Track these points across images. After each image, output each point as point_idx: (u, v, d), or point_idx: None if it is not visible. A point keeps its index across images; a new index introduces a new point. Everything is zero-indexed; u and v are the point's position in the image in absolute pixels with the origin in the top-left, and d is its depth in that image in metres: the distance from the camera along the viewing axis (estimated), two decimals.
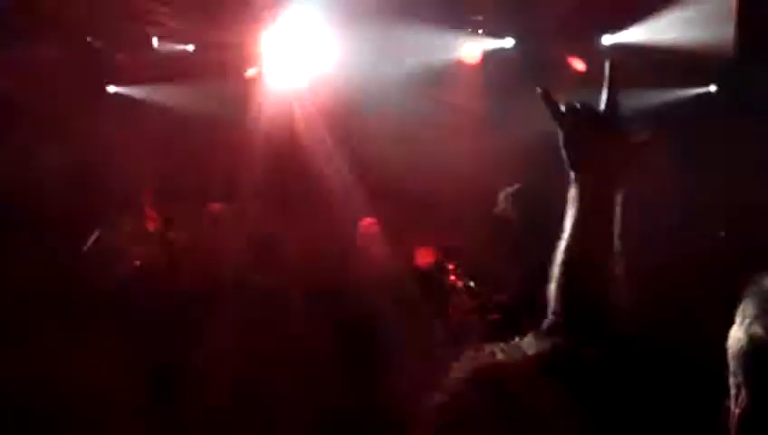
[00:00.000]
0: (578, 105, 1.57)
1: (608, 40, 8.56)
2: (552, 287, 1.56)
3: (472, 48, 8.49)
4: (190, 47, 8.47)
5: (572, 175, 1.57)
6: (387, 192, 8.10)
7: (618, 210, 1.53)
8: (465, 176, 8.04)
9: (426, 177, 8.14)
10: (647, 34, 8.31)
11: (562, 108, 1.59)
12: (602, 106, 1.57)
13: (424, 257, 7.06)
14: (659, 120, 7.70)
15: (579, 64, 8.40)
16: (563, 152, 1.58)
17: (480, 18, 8.25)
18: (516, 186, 5.70)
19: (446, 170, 8.15)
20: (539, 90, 1.59)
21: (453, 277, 6.43)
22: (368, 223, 7.32)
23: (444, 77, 8.69)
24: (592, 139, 1.55)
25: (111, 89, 8.79)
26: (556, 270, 1.56)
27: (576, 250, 1.53)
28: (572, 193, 1.56)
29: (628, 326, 1.53)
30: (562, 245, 1.56)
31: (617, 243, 1.53)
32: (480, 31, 8.31)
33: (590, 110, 1.57)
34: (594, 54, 8.32)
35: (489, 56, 8.57)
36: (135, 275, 6.51)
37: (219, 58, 8.37)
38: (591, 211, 1.53)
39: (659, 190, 7.34)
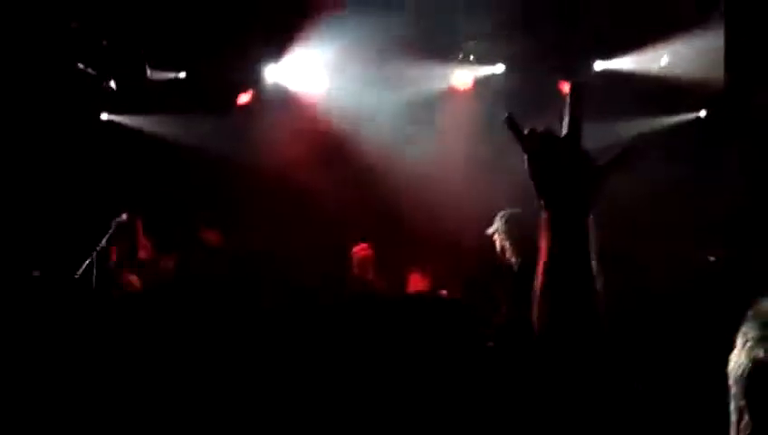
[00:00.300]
0: (539, 129, 1.54)
1: (600, 66, 8.61)
2: (534, 313, 1.55)
3: (463, 75, 8.52)
4: (182, 74, 8.46)
5: (541, 200, 1.55)
6: (383, 218, 8.15)
7: (591, 232, 1.51)
8: (461, 202, 7.94)
9: (422, 203, 8.14)
10: (639, 63, 8.38)
11: (525, 132, 1.56)
12: (564, 129, 1.52)
13: (417, 284, 7.09)
14: (649, 145, 7.78)
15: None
16: (529, 176, 1.55)
17: (472, 44, 8.27)
18: (512, 210, 5.58)
19: (442, 197, 8.12)
20: (504, 116, 1.56)
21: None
22: (362, 247, 7.28)
23: (437, 104, 8.71)
24: (554, 162, 1.52)
25: (104, 116, 8.79)
26: (534, 296, 1.55)
27: (551, 275, 1.52)
28: (543, 217, 1.54)
29: (612, 352, 1.51)
30: (538, 270, 1.54)
31: (594, 266, 1.51)
32: (471, 57, 8.33)
33: (550, 133, 1.53)
34: (587, 80, 8.37)
35: (481, 83, 8.60)
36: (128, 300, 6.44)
37: (212, 85, 8.36)
38: (562, 235, 1.51)
39: (650, 214, 7.36)
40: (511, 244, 5.36)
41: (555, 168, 1.52)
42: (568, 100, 1.52)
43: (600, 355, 1.48)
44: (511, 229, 5.40)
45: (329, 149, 8.51)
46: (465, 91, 8.62)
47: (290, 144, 8.42)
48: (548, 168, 1.52)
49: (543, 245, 1.53)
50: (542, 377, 1.51)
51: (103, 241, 6.88)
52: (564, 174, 1.52)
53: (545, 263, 1.52)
